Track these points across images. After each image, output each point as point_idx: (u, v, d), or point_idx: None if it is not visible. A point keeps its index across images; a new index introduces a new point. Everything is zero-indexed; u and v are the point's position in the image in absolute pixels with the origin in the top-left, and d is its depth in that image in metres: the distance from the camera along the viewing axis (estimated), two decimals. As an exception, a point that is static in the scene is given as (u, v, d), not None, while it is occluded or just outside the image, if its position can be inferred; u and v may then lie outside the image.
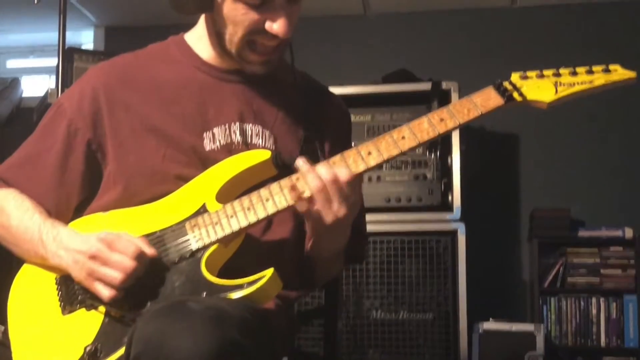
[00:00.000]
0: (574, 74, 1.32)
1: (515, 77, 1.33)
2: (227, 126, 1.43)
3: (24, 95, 4.63)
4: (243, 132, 1.44)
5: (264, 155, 1.37)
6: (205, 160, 1.40)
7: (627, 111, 4.00)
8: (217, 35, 1.42)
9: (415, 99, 3.32)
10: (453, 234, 3.13)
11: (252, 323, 1.12)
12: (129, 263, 1.24)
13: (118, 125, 1.43)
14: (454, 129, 1.31)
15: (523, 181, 4.13)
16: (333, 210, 1.26)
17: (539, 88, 1.31)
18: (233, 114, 1.44)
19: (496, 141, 4.10)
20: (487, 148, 4.04)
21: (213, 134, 1.42)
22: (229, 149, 1.42)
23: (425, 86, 3.31)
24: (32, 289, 1.37)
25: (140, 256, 1.26)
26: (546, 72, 1.33)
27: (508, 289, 4.00)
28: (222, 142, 1.42)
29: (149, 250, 1.28)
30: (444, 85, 3.27)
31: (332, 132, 1.55)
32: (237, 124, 1.44)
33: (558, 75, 1.32)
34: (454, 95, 3.24)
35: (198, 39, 1.50)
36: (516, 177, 4.13)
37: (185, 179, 1.38)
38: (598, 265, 3.74)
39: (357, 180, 1.28)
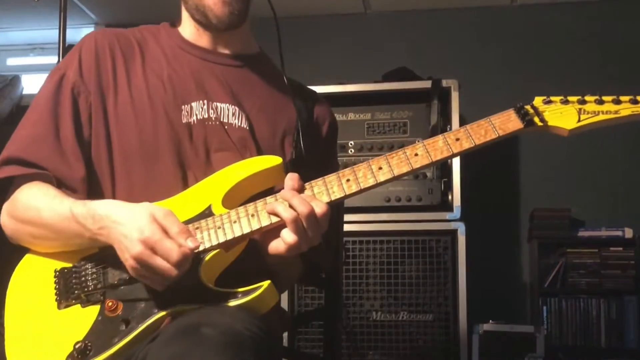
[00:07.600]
0: (600, 102, 1.26)
1: (538, 101, 1.30)
2: (204, 102, 1.46)
3: (24, 93, 4.61)
4: (219, 110, 1.46)
5: (275, 160, 1.37)
6: (181, 133, 1.42)
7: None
8: (183, 2, 1.49)
9: (416, 97, 3.29)
10: (453, 233, 3.11)
11: (265, 342, 1.12)
12: (173, 272, 1.19)
13: (107, 89, 1.45)
14: (470, 150, 1.28)
15: (523, 181, 4.12)
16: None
17: (562, 114, 1.27)
18: (211, 91, 1.48)
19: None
20: (488, 147, 4.02)
21: (191, 108, 1.45)
22: (204, 124, 1.44)
23: (426, 84, 3.28)
24: (32, 281, 1.36)
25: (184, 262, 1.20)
26: (571, 98, 1.29)
27: (508, 290, 3.99)
28: (198, 116, 1.44)
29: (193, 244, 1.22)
30: (444, 83, 3.25)
31: (316, 132, 1.56)
32: (215, 102, 1.46)
33: (583, 102, 1.27)
34: (454, 94, 3.22)
35: (182, 22, 1.57)
36: (516, 177, 4.12)
37: (156, 150, 1.39)
38: (598, 265, 3.73)
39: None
